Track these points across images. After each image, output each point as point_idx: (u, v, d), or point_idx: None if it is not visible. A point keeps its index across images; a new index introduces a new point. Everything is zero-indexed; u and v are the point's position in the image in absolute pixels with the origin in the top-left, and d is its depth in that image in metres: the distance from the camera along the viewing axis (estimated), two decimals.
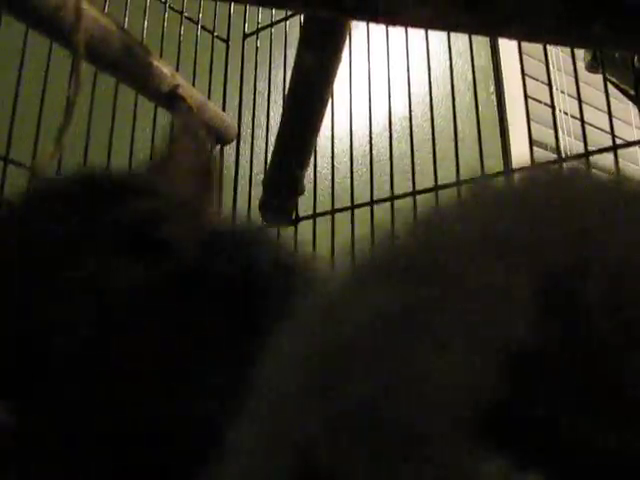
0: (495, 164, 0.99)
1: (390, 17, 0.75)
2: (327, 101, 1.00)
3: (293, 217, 1.07)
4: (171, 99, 0.93)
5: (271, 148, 1.12)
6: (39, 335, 0.35)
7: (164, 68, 0.89)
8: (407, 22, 0.78)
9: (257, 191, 1.13)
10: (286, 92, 1.08)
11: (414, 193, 0.99)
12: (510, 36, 0.73)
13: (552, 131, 1.06)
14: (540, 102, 2.39)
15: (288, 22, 1.25)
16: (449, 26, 0.77)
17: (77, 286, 0.36)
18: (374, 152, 1.05)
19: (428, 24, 0.79)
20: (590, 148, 0.90)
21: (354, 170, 1.07)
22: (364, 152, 1.14)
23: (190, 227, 0.40)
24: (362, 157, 1.20)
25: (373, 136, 1.07)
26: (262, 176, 1.13)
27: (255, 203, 1.09)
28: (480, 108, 1.02)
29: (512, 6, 0.64)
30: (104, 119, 0.98)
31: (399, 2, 0.74)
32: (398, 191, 1.01)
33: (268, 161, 1.12)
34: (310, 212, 1.06)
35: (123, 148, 1.03)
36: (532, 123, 1.40)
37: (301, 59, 0.96)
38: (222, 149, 1.20)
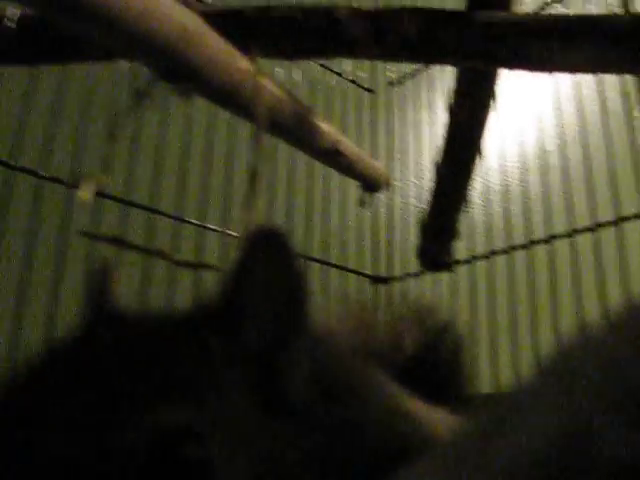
0: None
1: (542, 65, 0.77)
2: (481, 146, 1.02)
3: (450, 262, 1.09)
4: (332, 154, 0.97)
5: (423, 191, 1.15)
6: None
7: (324, 126, 0.94)
8: (559, 68, 0.79)
9: (411, 235, 1.16)
10: (433, 136, 1.10)
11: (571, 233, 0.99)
12: None
13: None
14: None
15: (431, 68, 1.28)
16: (603, 67, 0.77)
17: None
18: (526, 190, 1.05)
19: (582, 69, 0.80)
20: None
21: (510, 209, 1.08)
22: (517, 190, 1.14)
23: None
24: (515, 196, 1.20)
25: (525, 173, 1.08)
26: (413, 220, 1.15)
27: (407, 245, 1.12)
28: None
29: None
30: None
31: (551, 50, 0.75)
32: (555, 230, 1.01)
33: (420, 205, 1.14)
34: (467, 255, 1.08)
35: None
36: None
37: (455, 108, 0.98)
38: (374, 197, 1.23)
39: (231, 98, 0.73)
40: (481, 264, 1.07)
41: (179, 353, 0.36)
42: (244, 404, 0.36)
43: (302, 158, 1.12)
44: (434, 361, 0.61)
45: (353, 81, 1.31)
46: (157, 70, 0.67)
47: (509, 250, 1.04)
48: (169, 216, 0.94)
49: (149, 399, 0.34)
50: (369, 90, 1.34)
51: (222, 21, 0.71)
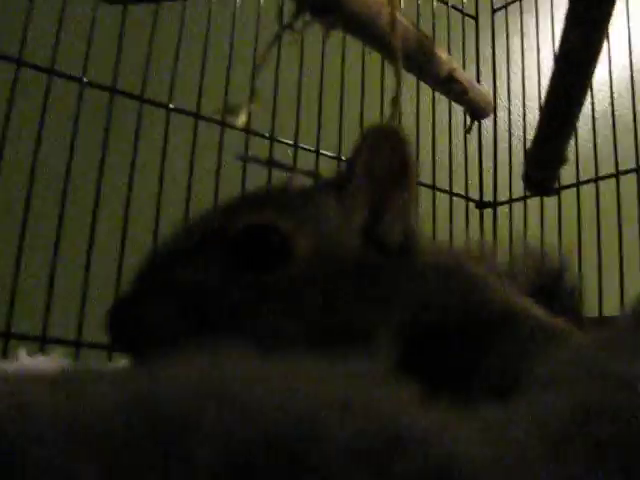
0: None
1: None
2: (592, 74, 1.03)
3: (556, 186, 1.12)
4: (448, 82, 1.01)
5: (528, 117, 1.18)
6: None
7: (442, 54, 0.97)
8: None
9: (516, 160, 1.19)
10: (541, 62, 1.12)
11: None
12: None
13: None
14: None
15: None
16: None
17: None
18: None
19: None
20: None
21: (617, 135, 1.10)
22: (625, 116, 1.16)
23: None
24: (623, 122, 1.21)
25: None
26: (519, 145, 1.18)
27: (515, 172, 1.16)
28: None
29: None
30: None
31: None
32: None
33: (526, 131, 1.17)
34: (573, 181, 1.11)
35: None
36: None
37: (568, 35, 0.99)
38: (480, 123, 1.27)
39: (368, 29, 0.77)
40: (587, 188, 1.10)
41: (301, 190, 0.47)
42: (339, 224, 0.45)
43: (408, 85, 1.16)
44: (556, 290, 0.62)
45: (456, 7, 1.32)
46: (303, 2, 0.71)
47: (616, 175, 1.06)
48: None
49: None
50: (472, 17, 1.36)
51: None
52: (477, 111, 1.19)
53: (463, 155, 1.24)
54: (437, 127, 1.20)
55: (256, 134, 0.95)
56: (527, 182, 1.11)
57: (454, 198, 1.19)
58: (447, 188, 1.19)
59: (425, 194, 1.15)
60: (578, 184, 1.11)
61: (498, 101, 1.29)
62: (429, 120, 1.19)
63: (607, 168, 1.09)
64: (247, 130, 0.90)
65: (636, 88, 1.16)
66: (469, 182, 1.23)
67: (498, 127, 1.29)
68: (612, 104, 1.13)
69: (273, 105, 0.97)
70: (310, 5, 0.70)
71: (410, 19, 0.87)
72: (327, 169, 1.00)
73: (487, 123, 1.29)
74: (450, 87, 1.01)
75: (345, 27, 0.76)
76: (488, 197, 1.25)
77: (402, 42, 0.83)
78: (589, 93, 1.09)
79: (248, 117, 0.71)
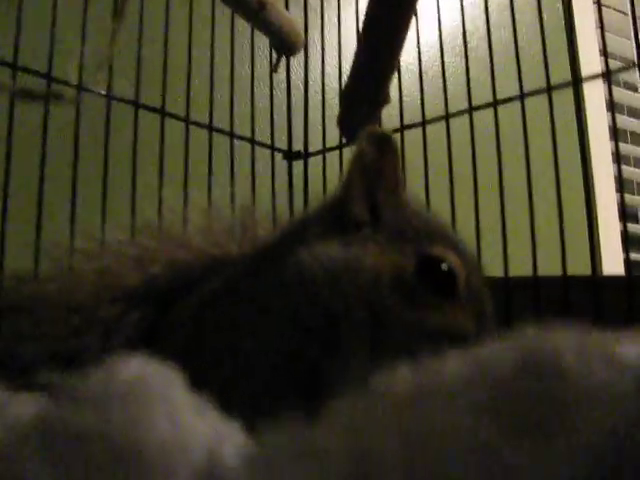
0: (562, 75, 0.85)
1: None
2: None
3: None
4: (256, 9, 0.80)
5: (345, 54, 0.99)
6: None
7: None
8: None
9: (332, 105, 1.00)
10: None
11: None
12: None
13: (625, 40, 0.91)
14: (612, 8, 2.19)
15: None
16: None
17: None
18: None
19: None
20: None
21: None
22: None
23: None
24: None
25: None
26: (335, 86, 0.99)
27: (330, 116, 0.96)
28: (545, 17, 0.87)
29: None
30: None
31: None
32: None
33: (342, 69, 0.98)
34: (397, 125, 0.93)
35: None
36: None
37: None
38: (289, 60, 1.06)
39: None
40: (414, 133, 0.92)
41: None
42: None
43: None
44: None
45: None
46: None
47: (447, 117, 0.90)
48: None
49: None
50: None
51: None
52: (285, 45, 0.99)
53: (268, 99, 1.03)
54: (237, 64, 0.98)
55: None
56: (343, 128, 0.92)
57: (257, 147, 0.98)
58: (248, 136, 0.98)
59: (223, 142, 0.93)
60: (402, 129, 0.93)
61: (310, 34, 1.09)
62: (226, 56, 0.98)
63: (435, 111, 0.92)
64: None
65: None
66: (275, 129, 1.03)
67: (310, 66, 1.09)
68: (440, 37, 0.96)
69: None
70: None
71: None
72: None
73: (298, 61, 1.10)
74: (258, 15, 0.81)
75: None
76: (298, 147, 1.05)
77: None
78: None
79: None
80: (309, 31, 1.08)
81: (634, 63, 0.82)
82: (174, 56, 0.89)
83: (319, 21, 1.07)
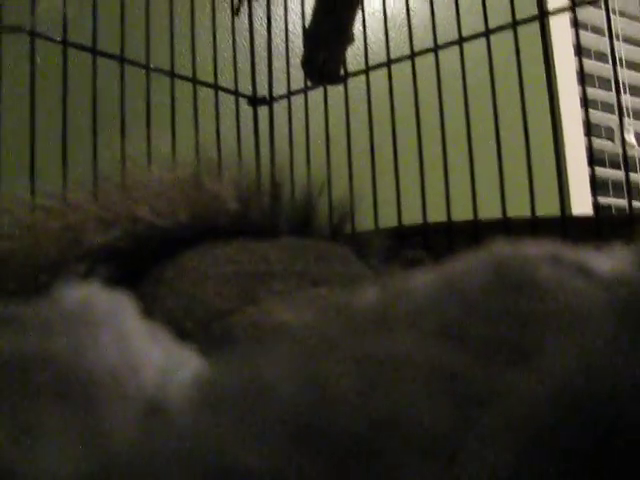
0: (529, 8, 0.83)
1: None
2: None
3: (342, 73, 0.92)
4: None
5: None
6: None
7: None
8: None
9: (296, 51, 0.98)
10: None
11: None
12: None
13: None
14: None
15: None
16: None
17: None
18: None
19: None
20: None
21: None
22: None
23: None
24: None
25: None
26: (300, 33, 0.97)
27: (295, 62, 0.94)
28: None
29: None
30: None
31: None
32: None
33: (306, 14, 0.96)
34: (362, 67, 0.91)
35: None
36: None
37: None
38: (251, 4, 1.04)
39: None
40: (378, 74, 0.91)
41: None
42: None
43: None
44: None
45: None
46: None
47: (412, 57, 0.88)
48: None
49: None
50: None
51: None
52: None
53: (230, 41, 1.01)
54: (197, 9, 0.95)
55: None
56: (307, 69, 0.91)
57: (220, 93, 0.96)
58: (211, 81, 0.96)
59: (184, 88, 0.91)
60: (367, 70, 0.91)
61: None
62: (187, 4, 0.95)
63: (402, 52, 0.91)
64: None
65: None
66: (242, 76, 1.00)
67: (272, 10, 1.07)
68: None
69: None
70: None
71: None
72: None
73: (260, 4, 1.07)
74: None
75: None
76: (262, 92, 1.02)
77: None
78: None
79: None
80: None
81: None
82: (132, 2, 0.87)
83: None
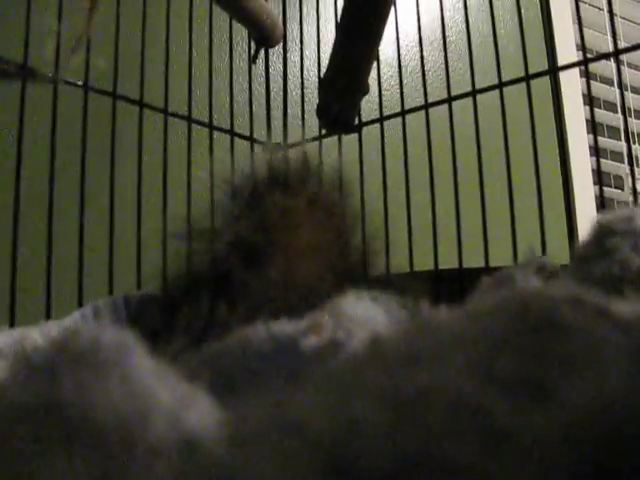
0: (539, 63, 0.85)
1: None
2: None
3: (357, 122, 0.94)
4: None
5: (324, 47, 0.99)
6: None
7: None
8: None
9: (310, 98, 1.00)
10: None
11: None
12: None
13: (601, 34, 0.91)
14: (588, 4, 2.21)
15: None
16: None
17: None
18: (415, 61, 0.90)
19: None
20: None
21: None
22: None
23: None
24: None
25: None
26: (315, 81, 0.99)
27: (310, 109, 0.96)
28: (523, 12, 0.87)
29: None
30: None
31: None
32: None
33: (322, 63, 0.98)
34: (377, 116, 0.93)
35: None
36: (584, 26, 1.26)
37: None
38: (268, 52, 1.06)
39: None
40: (392, 122, 0.92)
41: None
42: None
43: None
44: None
45: None
46: None
47: (427, 106, 0.89)
48: None
49: None
50: None
51: None
52: (265, 35, 0.98)
53: (246, 87, 1.03)
54: (215, 56, 0.98)
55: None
56: (322, 117, 0.92)
57: (236, 140, 0.98)
58: (228, 128, 0.97)
59: (201, 133, 0.93)
60: (382, 119, 0.93)
61: (289, 27, 1.08)
62: (205, 48, 0.97)
63: (415, 103, 0.92)
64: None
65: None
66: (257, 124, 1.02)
67: (289, 59, 1.09)
68: (419, 30, 0.96)
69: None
70: None
71: None
72: None
73: (277, 54, 1.09)
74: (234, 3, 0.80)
75: None
76: (278, 140, 1.04)
77: None
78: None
79: None
80: (287, 24, 1.08)
81: (611, 52, 0.83)
82: (152, 48, 0.89)
83: (298, 14, 1.06)
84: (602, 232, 0.28)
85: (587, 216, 1.98)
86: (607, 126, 2.36)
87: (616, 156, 2.34)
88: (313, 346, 0.31)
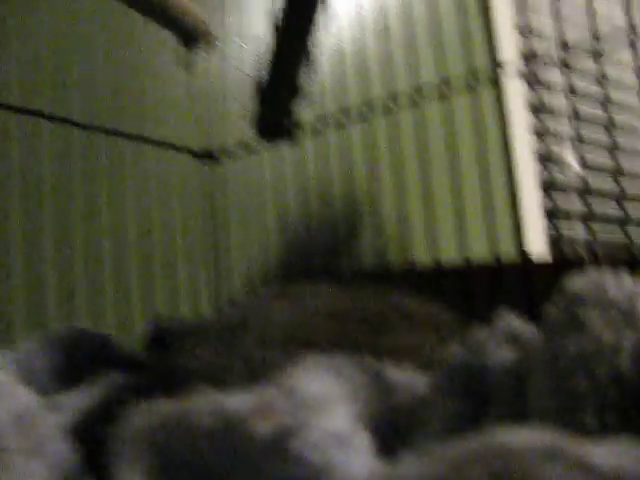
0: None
1: None
2: None
3: (293, 129, 0.89)
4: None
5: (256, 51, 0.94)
6: None
7: None
8: None
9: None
10: None
11: None
12: None
13: None
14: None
15: None
16: None
17: None
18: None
19: None
20: None
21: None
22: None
23: None
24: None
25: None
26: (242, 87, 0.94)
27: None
28: None
29: None
30: None
31: None
32: None
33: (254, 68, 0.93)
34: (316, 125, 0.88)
35: None
36: None
37: None
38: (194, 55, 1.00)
39: None
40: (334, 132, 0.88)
41: None
42: None
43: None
44: None
45: None
46: None
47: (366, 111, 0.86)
48: None
49: None
50: None
51: None
52: (190, 37, 0.93)
53: (178, 98, 0.97)
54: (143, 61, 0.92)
55: None
56: (257, 125, 0.87)
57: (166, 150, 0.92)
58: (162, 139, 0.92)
59: (129, 146, 0.87)
60: (322, 126, 0.88)
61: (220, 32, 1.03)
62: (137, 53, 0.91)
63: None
64: None
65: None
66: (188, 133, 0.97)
67: (222, 64, 1.03)
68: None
69: None
70: None
71: None
72: None
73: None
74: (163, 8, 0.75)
75: None
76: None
77: None
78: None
79: None
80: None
81: None
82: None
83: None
84: (572, 300, 0.29)
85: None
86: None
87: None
88: (263, 432, 0.29)
